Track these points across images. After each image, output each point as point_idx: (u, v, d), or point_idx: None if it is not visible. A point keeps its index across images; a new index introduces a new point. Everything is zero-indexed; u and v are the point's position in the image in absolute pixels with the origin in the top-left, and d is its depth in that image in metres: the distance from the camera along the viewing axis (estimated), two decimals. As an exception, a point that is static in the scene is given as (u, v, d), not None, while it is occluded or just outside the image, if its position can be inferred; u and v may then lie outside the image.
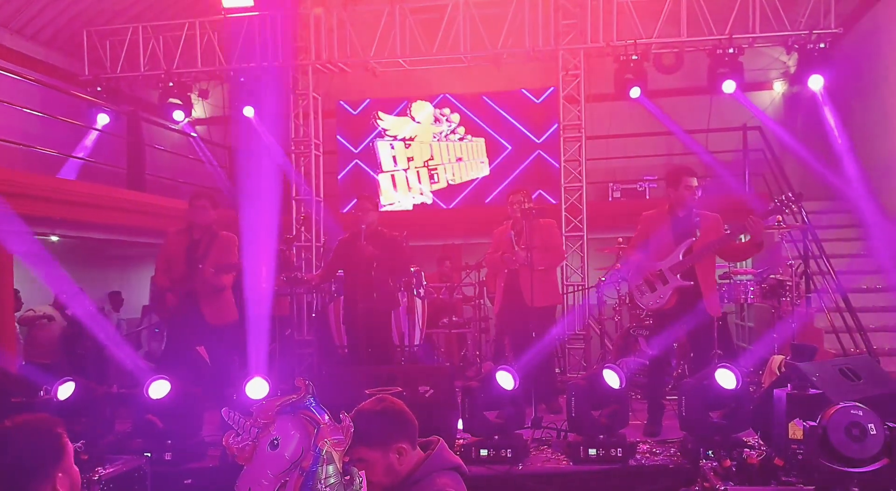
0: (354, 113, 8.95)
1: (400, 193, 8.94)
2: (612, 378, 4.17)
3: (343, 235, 5.87)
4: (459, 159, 8.83)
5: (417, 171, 8.93)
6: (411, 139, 8.88)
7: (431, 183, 8.91)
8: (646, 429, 4.68)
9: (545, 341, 5.25)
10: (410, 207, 8.86)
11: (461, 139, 8.82)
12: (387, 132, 8.93)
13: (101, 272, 9.77)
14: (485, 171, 8.75)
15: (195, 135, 9.46)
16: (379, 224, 5.63)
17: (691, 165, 5.36)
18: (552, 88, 8.16)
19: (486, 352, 7.13)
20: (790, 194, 4.55)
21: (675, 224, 4.69)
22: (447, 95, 8.78)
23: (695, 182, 4.67)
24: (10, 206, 5.82)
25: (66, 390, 4.16)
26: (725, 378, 3.97)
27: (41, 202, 6.22)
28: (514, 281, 5.35)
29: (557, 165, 7.95)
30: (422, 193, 8.90)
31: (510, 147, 8.66)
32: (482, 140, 8.75)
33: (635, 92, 7.33)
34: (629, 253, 4.96)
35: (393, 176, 8.97)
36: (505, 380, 4.17)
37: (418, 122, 8.85)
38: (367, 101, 8.96)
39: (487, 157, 8.74)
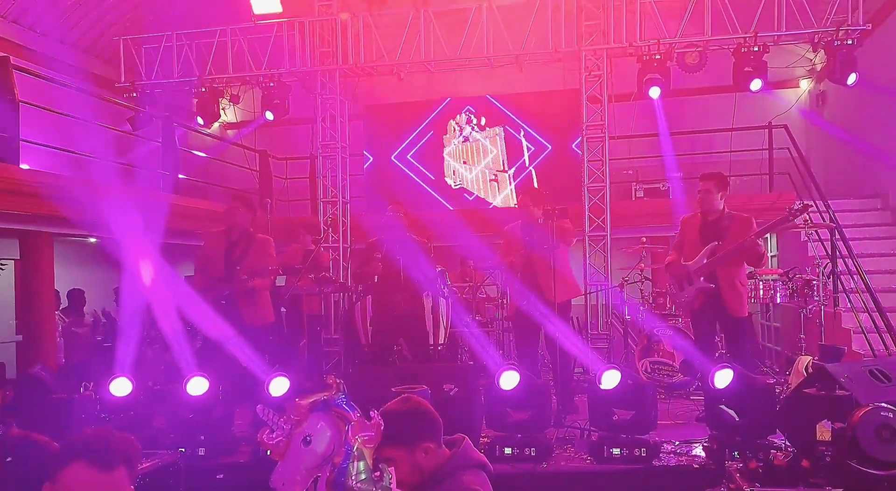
0: (380, 116, 9.05)
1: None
2: (609, 379, 4.12)
3: (372, 238, 5.94)
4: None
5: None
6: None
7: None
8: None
9: (566, 339, 5.25)
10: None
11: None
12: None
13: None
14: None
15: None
16: (409, 229, 5.68)
17: (716, 166, 5.35)
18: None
19: (509, 351, 7.16)
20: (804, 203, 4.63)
21: (703, 227, 4.83)
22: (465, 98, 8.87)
23: (710, 186, 4.73)
24: (47, 208, 6.03)
25: (121, 388, 4.26)
26: (722, 378, 3.96)
27: (79, 205, 6.41)
28: (532, 278, 5.21)
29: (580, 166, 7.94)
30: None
31: (533, 148, 8.68)
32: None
33: (654, 92, 7.27)
34: (670, 254, 5.17)
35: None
36: (509, 379, 4.19)
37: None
38: (393, 103, 9.05)
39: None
